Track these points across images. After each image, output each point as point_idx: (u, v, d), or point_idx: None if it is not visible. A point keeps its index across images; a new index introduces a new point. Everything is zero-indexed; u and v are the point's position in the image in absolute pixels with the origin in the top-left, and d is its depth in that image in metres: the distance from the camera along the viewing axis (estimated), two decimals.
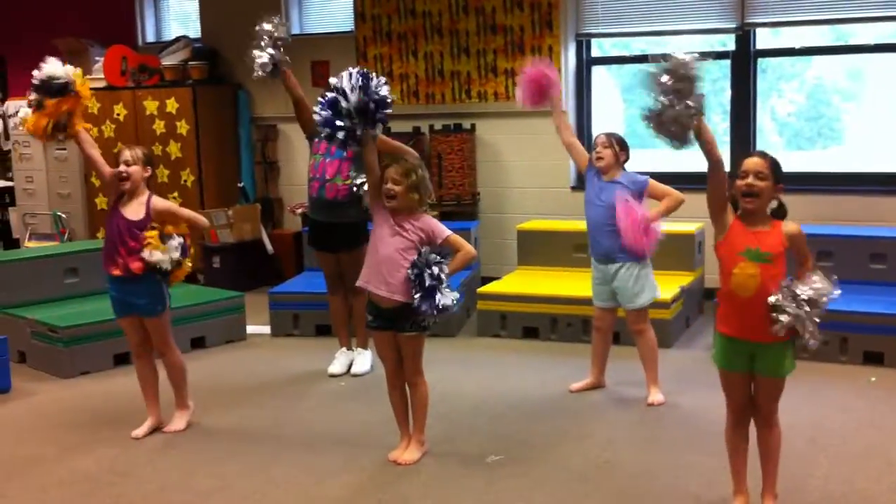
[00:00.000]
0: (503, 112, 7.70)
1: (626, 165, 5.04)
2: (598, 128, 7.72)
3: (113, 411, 5.03)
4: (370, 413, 4.75)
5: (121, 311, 4.61)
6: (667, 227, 6.59)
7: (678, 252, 6.57)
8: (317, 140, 5.51)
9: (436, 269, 3.94)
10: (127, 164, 4.45)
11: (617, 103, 8.03)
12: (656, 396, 4.91)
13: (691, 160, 7.52)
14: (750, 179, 3.35)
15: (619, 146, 4.99)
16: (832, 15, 6.86)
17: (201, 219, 4.77)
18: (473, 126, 7.75)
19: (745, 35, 7.09)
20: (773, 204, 3.41)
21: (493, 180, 7.77)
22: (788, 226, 3.39)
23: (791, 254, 3.42)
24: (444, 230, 4.08)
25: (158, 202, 4.55)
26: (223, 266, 7.95)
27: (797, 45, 7.20)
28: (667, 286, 6.18)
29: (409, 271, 3.96)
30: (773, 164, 3.39)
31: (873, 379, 5.19)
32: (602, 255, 4.95)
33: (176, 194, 8.31)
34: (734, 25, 7.07)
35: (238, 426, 4.77)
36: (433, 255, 3.98)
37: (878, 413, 4.68)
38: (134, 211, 4.47)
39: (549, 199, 7.60)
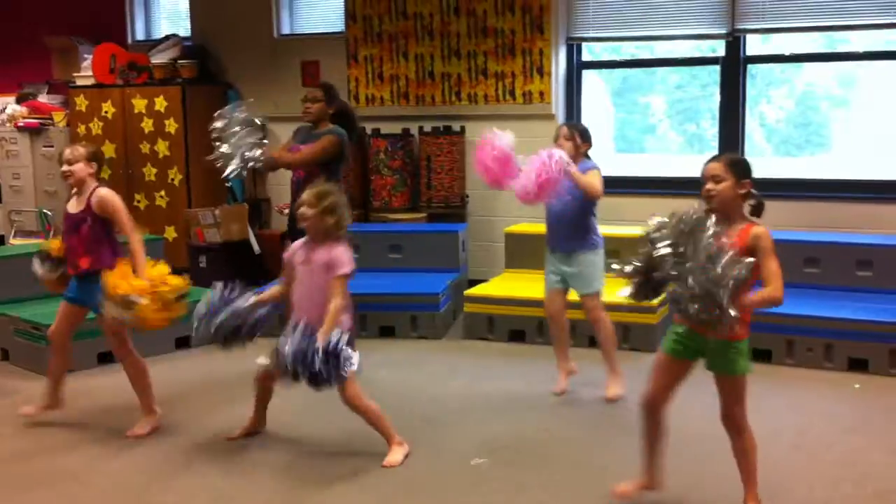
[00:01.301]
0: (493, 114, 7.69)
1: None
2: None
3: (95, 410, 5.00)
4: (354, 416, 4.72)
5: (68, 295, 4.62)
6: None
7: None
8: (294, 144, 5.61)
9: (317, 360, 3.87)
10: (69, 162, 4.49)
11: (607, 107, 8.04)
12: (616, 391, 4.96)
13: (682, 166, 7.58)
14: (707, 185, 3.38)
15: (581, 136, 5.07)
16: (822, 22, 6.87)
17: (140, 252, 4.42)
18: (463, 128, 7.75)
19: (735, 41, 7.10)
20: (752, 202, 3.42)
21: (482, 183, 7.69)
22: (756, 228, 3.36)
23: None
24: (340, 267, 4.02)
25: (100, 195, 4.49)
26: (210, 266, 7.91)
27: (787, 52, 7.22)
28: None
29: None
30: (732, 164, 3.40)
31: (858, 385, 5.20)
32: (561, 245, 5.03)
33: (163, 193, 8.29)
34: (724, 31, 7.08)
35: (223, 426, 4.74)
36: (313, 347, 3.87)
37: (863, 419, 4.69)
38: (75, 206, 4.54)
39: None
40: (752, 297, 3.28)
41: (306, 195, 4.12)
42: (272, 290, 4.40)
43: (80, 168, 4.49)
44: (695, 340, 3.41)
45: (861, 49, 7.01)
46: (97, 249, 4.50)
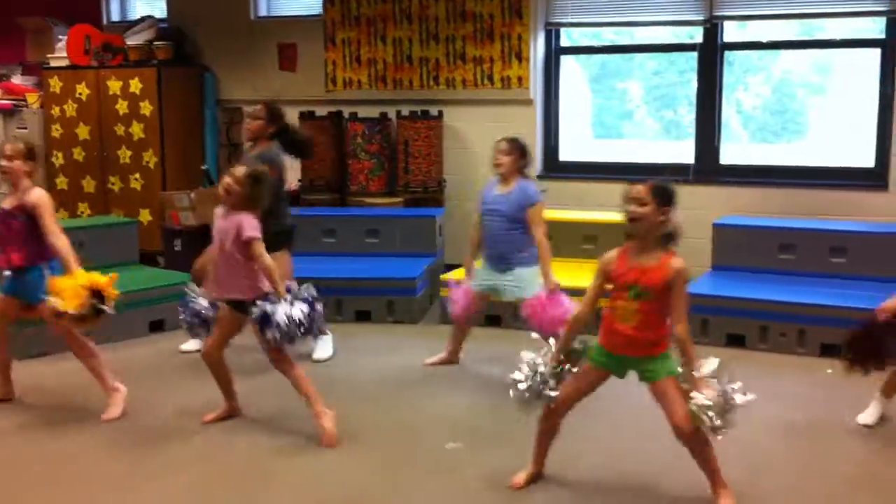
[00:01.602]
0: (471, 99, 7.68)
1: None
2: (567, 117, 7.74)
3: (66, 394, 4.97)
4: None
5: (4, 287, 4.66)
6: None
7: None
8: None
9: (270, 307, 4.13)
10: (8, 158, 4.51)
11: (585, 93, 8.04)
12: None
13: (659, 152, 7.60)
14: (631, 207, 3.43)
15: (520, 153, 5.08)
16: (799, 9, 6.90)
17: (70, 256, 4.45)
18: (441, 113, 7.72)
19: (712, 28, 7.11)
20: (667, 228, 3.45)
21: (460, 168, 7.75)
22: (675, 261, 3.43)
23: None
24: (245, 231, 4.18)
25: (33, 196, 4.52)
26: (185, 249, 7.85)
27: (764, 39, 7.24)
28: None
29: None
30: (658, 190, 3.43)
31: (830, 371, 5.23)
32: (496, 259, 5.10)
33: (138, 175, 8.23)
34: (702, 18, 7.09)
35: (188, 407, 4.71)
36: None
37: (835, 404, 4.72)
38: (10, 202, 4.56)
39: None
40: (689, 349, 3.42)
41: (238, 172, 4.27)
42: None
43: (18, 165, 4.51)
44: (620, 360, 3.52)
45: (837, 37, 7.04)
46: (30, 246, 4.51)
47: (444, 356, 5.45)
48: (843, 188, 6.74)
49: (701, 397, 3.32)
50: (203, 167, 8.42)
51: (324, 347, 5.60)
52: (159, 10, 8.94)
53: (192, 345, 5.65)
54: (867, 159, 6.80)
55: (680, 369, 3.44)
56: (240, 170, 4.30)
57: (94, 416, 4.59)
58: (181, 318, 4.66)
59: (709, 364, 3.41)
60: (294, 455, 4.14)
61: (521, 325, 5.89)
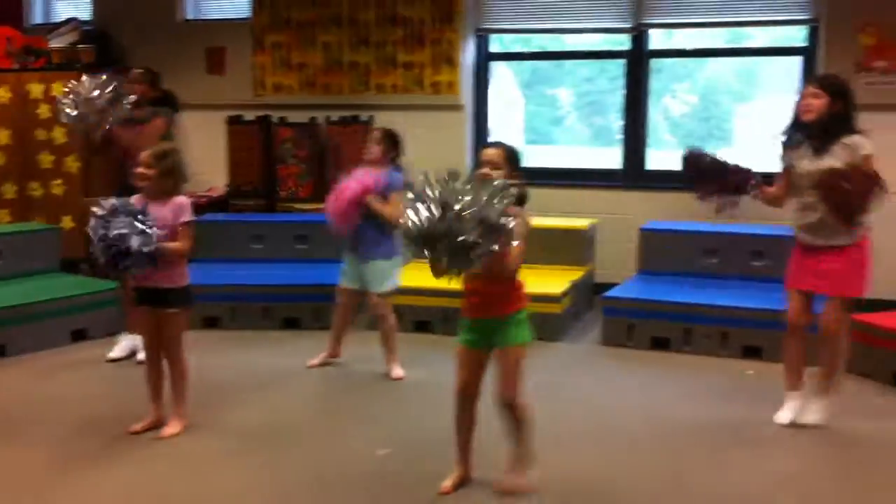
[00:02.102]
0: (402, 104, 7.66)
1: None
2: (499, 123, 7.77)
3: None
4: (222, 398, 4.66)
5: None
6: (559, 222, 6.72)
7: (569, 247, 6.67)
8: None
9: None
10: None
11: (517, 98, 8.08)
12: (397, 371, 5.23)
13: (589, 158, 7.67)
14: (486, 170, 3.49)
15: (391, 142, 5.18)
16: (725, 17, 7.01)
17: None
18: (371, 118, 7.69)
19: (639, 35, 7.20)
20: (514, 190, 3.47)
21: None
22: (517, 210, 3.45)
23: None
24: (184, 215, 4.16)
25: None
26: None
27: (689, 47, 7.35)
28: (557, 281, 6.25)
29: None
30: (509, 153, 3.56)
31: (750, 372, 5.32)
32: (361, 251, 5.18)
33: (60, 181, 8.04)
34: (629, 25, 7.17)
35: (111, 417, 4.62)
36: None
37: (754, 405, 4.78)
38: None
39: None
40: None
41: (145, 156, 4.17)
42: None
43: None
44: (480, 326, 3.54)
45: (761, 45, 7.18)
46: None
47: (326, 354, 5.49)
48: None
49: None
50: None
51: (121, 347, 5.59)
52: (84, 13, 8.77)
53: (118, 352, 5.57)
54: None
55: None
56: (147, 153, 4.19)
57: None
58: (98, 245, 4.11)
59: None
60: (220, 462, 4.07)
61: (446, 332, 5.89)
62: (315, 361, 5.47)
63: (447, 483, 3.74)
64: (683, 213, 6.91)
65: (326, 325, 6.30)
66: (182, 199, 4.22)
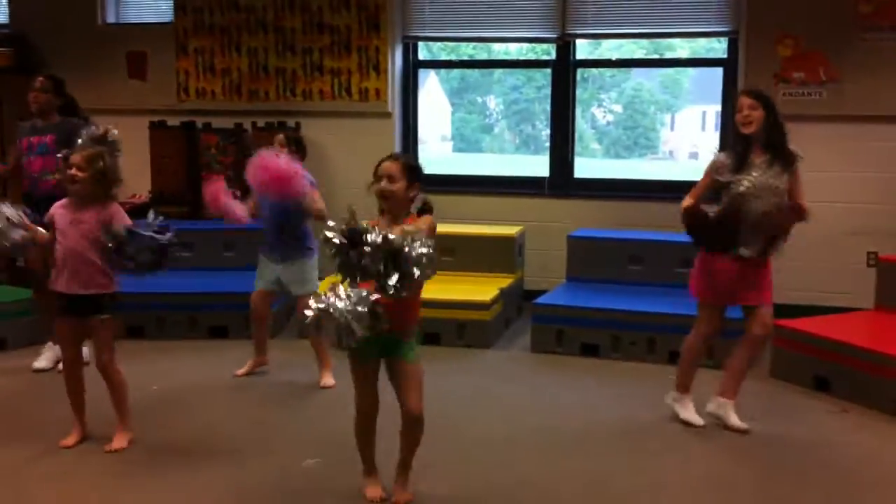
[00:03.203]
0: (329, 111, 7.63)
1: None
2: (426, 130, 7.78)
3: None
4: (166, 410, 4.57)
5: None
6: (488, 230, 6.75)
7: (498, 254, 6.70)
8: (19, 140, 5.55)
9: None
10: None
11: (446, 106, 8.11)
12: (328, 380, 5.18)
13: (517, 165, 7.74)
14: (383, 184, 3.49)
15: (298, 145, 5.36)
16: (649, 29, 7.14)
17: None
18: (298, 124, 7.63)
19: (565, 45, 7.28)
20: (418, 203, 3.57)
21: (319, 180, 7.56)
22: (425, 218, 3.51)
23: None
24: (125, 219, 4.06)
25: None
26: (26, 264, 7.49)
27: (614, 57, 7.47)
28: (486, 288, 6.27)
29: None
30: (406, 166, 3.55)
31: (672, 376, 5.40)
32: (278, 251, 5.20)
33: None
34: (555, 35, 7.25)
35: (38, 429, 4.50)
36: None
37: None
38: None
39: (375, 200, 7.55)
40: None
41: (76, 157, 4.04)
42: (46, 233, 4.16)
43: None
44: (379, 341, 3.44)
45: (684, 56, 7.33)
46: None
47: (252, 362, 5.44)
48: None
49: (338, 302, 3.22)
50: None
51: (45, 356, 5.50)
52: (1, 16, 8.53)
53: (43, 362, 5.45)
54: None
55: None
56: (79, 155, 4.04)
57: None
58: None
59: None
60: (138, 478, 3.98)
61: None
62: (242, 371, 5.40)
63: (373, 491, 3.70)
64: (611, 221, 7.03)
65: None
66: (115, 208, 4.10)
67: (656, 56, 7.48)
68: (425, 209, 3.56)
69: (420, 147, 7.80)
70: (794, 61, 6.64)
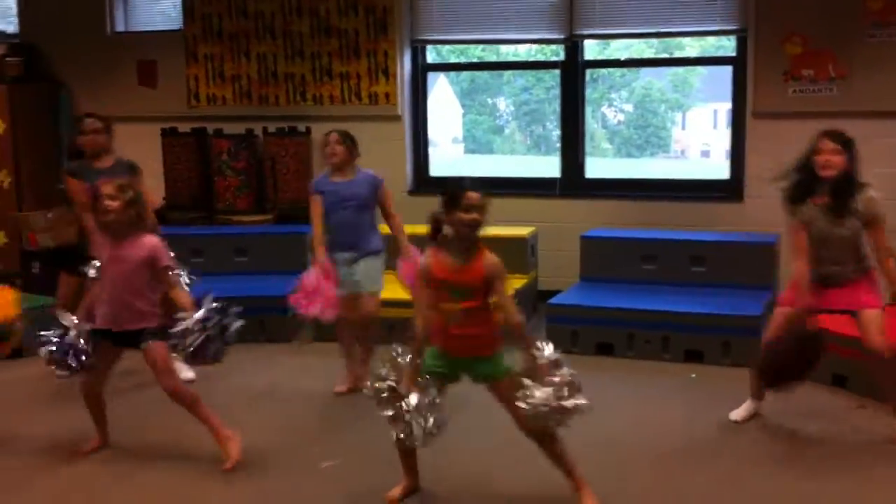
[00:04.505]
0: (339, 115, 7.63)
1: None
2: (437, 133, 7.80)
3: None
4: (185, 422, 4.56)
5: None
6: (500, 231, 6.74)
7: (511, 255, 6.67)
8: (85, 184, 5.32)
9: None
10: None
11: (456, 108, 8.13)
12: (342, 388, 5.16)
13: (529, 166, 7.75)
14: (474, 215, 3.47)
15: (352, 142, 5.23)
16: (657, 28, 7.14)
17: None
18: (309, 129, 7.66)
19: (573, 46, 7.29)
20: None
21: None
22: (490, 256, 3.53)
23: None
24: (164, 260, 4.08)
25: None
26: (43, 271, 7.54)
27: (623, 57, 7.48)
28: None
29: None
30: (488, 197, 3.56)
31: (694, 376, 5.42)
32: (349, 248, 5.11)
33: None
34: (563, 36, 7.25)
35: (54, 434, 4.53)
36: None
37: (697, 408, 4.88)
38: None
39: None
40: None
41: (107, 188, 4.06)
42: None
43: None
44: (454, 363, 3.57)
45: (693, 55, 7.33)
46: None
47: (351, 383, 5.25)
48: (702, 200, 7.02)
49: (535, 396, 3.37)
50: (60, 186, 8.08)
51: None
52: (11, 25, 8.58)
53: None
54: (720, 171, 7.10)
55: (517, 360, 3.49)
56: (110, 185, 4.07)
57: None
58: (49, 351, 4.15)
59: (547, 350, 3.47)
60: (164, 485, 4.01)
61: (395, 340, 5.84)
62: (342, 388, 5.23)
63: (394, 491, 3.74)
64: (623, 220, 7.04)
65: (271, 338, 6.25)
66: (153, 240, 4.10)
67: (665, 55, 7.48)
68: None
69: (431, 150, 7.81)
70: (804, 59, 6.64)
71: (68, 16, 8.28)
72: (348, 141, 5.18)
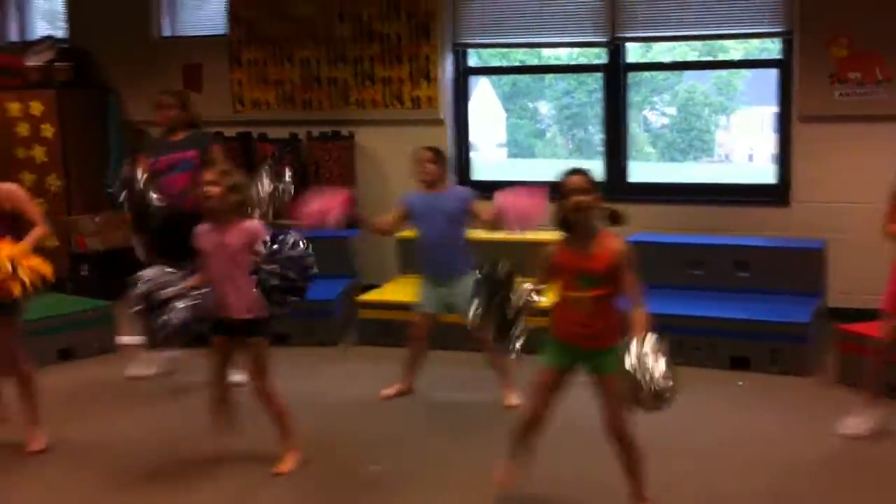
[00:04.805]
0: (381, 120, 7.69)
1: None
2: (479, 137, 7.81)
3: None
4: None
5: None
6: (543, 236, 6.72)
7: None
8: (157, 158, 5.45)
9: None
10: None
11: (498, 112, 8.15)
12: (513, 399, 4.98)
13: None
14: (579, 197, 3.46)
15: (443, 161, 5.18)
16: (700, 31, 7.10)
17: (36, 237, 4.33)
18: (352, 133, 7.71)
19: (616, 49, 7.27)
20: (605, 213, 3.54)
21: (373, 188, 7.73)
22: (615, 243, 3.49)
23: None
24: (263, 232, 3.96)
25: (5, 189, 4.28)
26: (92, 274, 7.68)
27: (666, 60, 7.44)
28: (545, 294, 6.29)
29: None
30: (593, 179, 3.56)
31: (741, 383, 5.39)
32: (439, 266, 5.04)
33: (42, 200, 7.95)
34: (605, 39, 7.23)
35: (103, 438, 4.60)
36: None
37: (746, 416, 4.86)
38: None
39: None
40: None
41: (210, 174, 4.01)
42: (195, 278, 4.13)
43: None
44: (576, 353, 3.52)
45: (737, 57, 7.27)
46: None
47: (401, 386, 5.27)
48: (747, 204, 6.97)
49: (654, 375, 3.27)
50: (109, 190, 8.20)
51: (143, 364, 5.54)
52: (60, 30, 8.72)
53: (138, 369, 5.52)
54: (769, 176, 7.05)
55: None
56: (212, 171, 4.03)
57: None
58: (163, 321, 3.97)
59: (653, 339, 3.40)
60: (213, 487, 4.07)
61: (437, 345, 5.88)
62: (390, 392, 5.24)
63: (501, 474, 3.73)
64: (667, 225, 7.00)
65: (320, 342, 6.30)
66: (254, 224, 4.04)
67: (709, 58, 7.44)
68: (615, 220, 3.53)
69: (473, 154, 7.83)
70: (850, 61, 6.57)
71: (116, 21, 8.40)
72: (439, 158, 5.14)
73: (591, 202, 3.47)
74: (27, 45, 8.49)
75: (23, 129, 7.98)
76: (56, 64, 8.14)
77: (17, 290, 4.06)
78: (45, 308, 6.09)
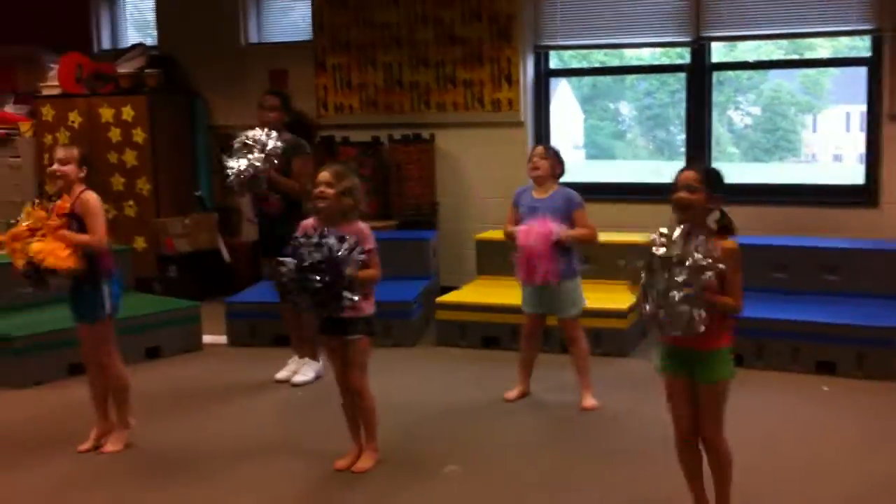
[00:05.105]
0: (462, 122, 7.71)
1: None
2: (558, 138, 7.78)
3: (65, 423, 4.91)
4: (325, 423, 4.69)
5: (71, 316, 4.46)
6: (623, 237, 6.68)
7: (634, 262, 6.62)
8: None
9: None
10: (61, 162, 4.35)
11: (577, 114, 8.10)
12: (590, 401, 4.97)
13: (652, 172, 7.65)
14: (681, 193, 3.31)
15: (556, 158, 5.07)
16: (786, 29, 6.95)
17: (86, 241, 4.30)
18: (433, 136, 7.76)
19: (700, 48, 7.16)
20: (715, 216, 3.34)
21: (453, 190, 7.78)
22: (724, 242, 3.31)
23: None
24: (367, 243, 3.94)
25: (84, 198, 4.33)
26: (179, 275, 7.89)
27: (751, 59, 7.30)
28: (622, 296, 6.23)
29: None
30: (708, 176, 3.34)
31: (826, 388, 5.25)
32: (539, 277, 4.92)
33: (132, 202, 8.22)
34: (689, 39, 7.14)
35: (192, 437, 4.71)
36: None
37: (830, 422, 4.74)
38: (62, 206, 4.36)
39: (507, 209, 7.60)
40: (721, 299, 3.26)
41: (325, 175, 4.02)
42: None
43: (71, 169, 4.34)
44: (681, 355, 3.35)
45: (825, 55, 7.09)
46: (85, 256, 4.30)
47: (521, 389, 5.23)
48: (834, 206, 6.79)
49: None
50: (196, 193, 8.44)
51: (305, 372, 5.59)
52: (150, 38, 8.98)
53: (284, 373, 5.59)
54: (854, 176, 6.85)
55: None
56: (327, 171, 4.03)
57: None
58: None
59: None
60: (282, 483, 4.14)
61: (518, 347, 5.86)
62: (512, 395, 5.19)
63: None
64: (752, 226, 6.85)
65: (396, 342, 6.34)
66: (362, 226, 4.04)
67: (796, 56, 7.27)
68: (724, 227, 3.34)
69: None
70: None
71: (204, 29, 8.61)
72: (552, 155, 5.07)
73: (692, 200, 3.28)
74: (119, 53, 8.76)
75: (115, 135, 8.24)
76: (146, 70, 8.38)
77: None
78: (135, 308, 6.28)
